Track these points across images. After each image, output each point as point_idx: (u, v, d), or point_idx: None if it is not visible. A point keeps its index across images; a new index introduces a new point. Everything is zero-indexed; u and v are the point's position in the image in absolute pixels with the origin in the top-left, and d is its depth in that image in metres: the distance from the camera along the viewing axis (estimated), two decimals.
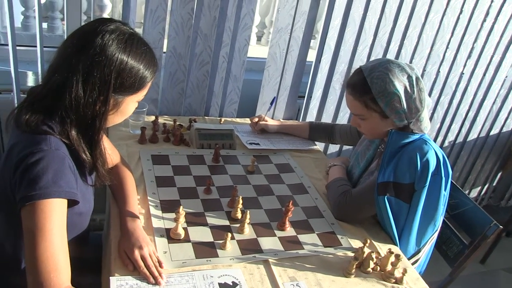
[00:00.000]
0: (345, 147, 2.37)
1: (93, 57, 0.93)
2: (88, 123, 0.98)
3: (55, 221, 0.88)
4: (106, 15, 2.29)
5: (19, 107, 0.98)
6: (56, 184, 0.90)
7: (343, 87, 2.12)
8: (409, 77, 1.30)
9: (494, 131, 2.83)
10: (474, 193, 3.11)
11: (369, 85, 1.31)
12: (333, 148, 2.36)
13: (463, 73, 2.46)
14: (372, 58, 2.09)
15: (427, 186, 1.29)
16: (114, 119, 1.06)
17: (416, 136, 1.34)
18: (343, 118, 2.24)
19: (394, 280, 1.17)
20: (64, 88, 0.93)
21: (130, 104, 1.06)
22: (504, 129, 2.86)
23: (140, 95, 1.06)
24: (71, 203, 0.96)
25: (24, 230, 0.88)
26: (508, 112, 2.79)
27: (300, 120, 2.20)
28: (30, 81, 1.82)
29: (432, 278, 1.39)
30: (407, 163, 1.30)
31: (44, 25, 2.24)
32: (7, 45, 1.56)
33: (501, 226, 1.51)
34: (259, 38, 3.78)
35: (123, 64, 0.96)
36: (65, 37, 1.03)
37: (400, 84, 1.29)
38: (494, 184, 3.18)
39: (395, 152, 1.33)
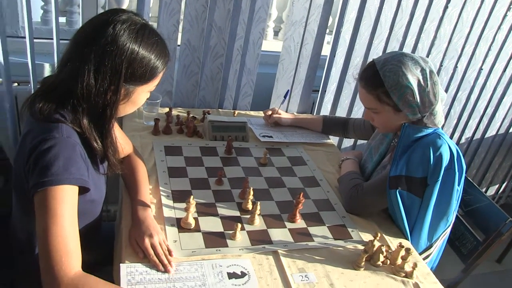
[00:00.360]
0: (360, 141, 2.36)
1: (104, 46, 0.94)
2: (99, 112, 0.99)
3: (66, 207, 0.90)
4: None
5: (33, 96, 1.01)
6: (67, 171, 0.92)
7: (357, 80, 2.11)
8: (423, 70, 1.29)
9: None
10: (491, 191, 3.05)
11: (381, 78, 1.29)
12: (348, 142, 2.34)
13: (482, 69, 2.41)
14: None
15: (440, 181, 1.28)
16: (126, 109, 1.08)
17: (429, 130, 1.33)
18: (358, 112, 2.23)
19: (404, 274, 1.16)
20: (76, 77, 0.95)
21: (141, 94, 1.07)
22: None
23: (152, 85, 1.07)
24: (83, 190, 0.98)
25: (36, 216, 0.90)
26: None
27: (314, 114, 2.19)
28: (47, 73, 1.85)
29: (444, 275, 1.38)
30: (420, 157, 1.28)
31: (63, 19, 2.28)
32: (25, 37, 1.59)
33: None
34: (276, 33, 3.76)
35: (134, 54, 0.97)
36: None
37: (413, 77, 1.27)
38: None
39: (408, 145, 1.32)
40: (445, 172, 1.28)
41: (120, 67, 0.96)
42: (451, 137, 2.57)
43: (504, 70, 2.48)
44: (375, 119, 1.40)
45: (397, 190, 1.30)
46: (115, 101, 1.00)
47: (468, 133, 2.62)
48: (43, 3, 2.29)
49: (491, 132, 2.70)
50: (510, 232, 1.49)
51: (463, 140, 2.63)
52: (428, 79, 1.29)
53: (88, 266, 0.95)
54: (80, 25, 2.31)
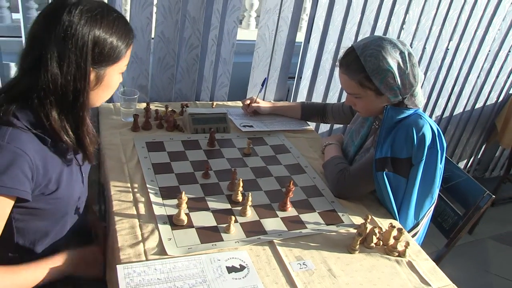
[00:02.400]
0: (336, 126, 2.39)
1: (64, 31, 0.89)
2: (70, 101, 0.95)
3: None
4: None
5: None
6: None
7: (335, 66, 2.12)
8: (402, 53, 1.31)
9: (479, 104, 2.88)
10: (460, 166, 3.16)
11: (362, 64, 1.31)
12: (324, 127, 2.37)
13: (448, 49, 2.48)
14: (360, 36, 2.09)
15: (424, 160, 1.31)
16: (100, 94, 1.03)
17: (411, 111, 1.36)
18: (333, 97, 2.25)
19: (397, 254, 1.19)
20: (38, 68, 0.90)
21: (113, 76, 1.03)
22: (488, 102, 2.92)
23: (122, 64, 1.03)
24: (21, 200, 0.94)
25: None
26: (491, 85, 2.84)
27: (291, 101, 2.20)
28: (14, 73, 1.76)
29: (426, 250, 1.42)
30: (404, 138, 1.31)
31: (17, 15, 2.17)
32: None
33: (493, 196, 1.55)
34: (239, 21, 3.72)
35: (96, 34, 0.93)
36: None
37: (393, 60, 1.29)
38: (479, 156, 3.26)
39: (391, 127, 1.34)
40: (428, 152, 1.32)
41: (85, 49, 0.92)
42: None
43: (468, 50, 2.56)
44: (357, 104, 1.41)
45: (384, 172, 1.33)
46: (86, 86, 0.95)
47: (438, 112, 2.70)
48: None
49: (459, 109, 2.79)
50: (488, 204, 1.56)
51: (433, 118, 2.71)
52: (407, 61, 1.31)
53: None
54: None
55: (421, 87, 2.43)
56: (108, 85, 1.03)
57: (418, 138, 1.30)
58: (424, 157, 1.31)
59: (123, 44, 1.00)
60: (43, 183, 0.97)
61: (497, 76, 2.81)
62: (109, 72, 1.00)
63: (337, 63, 1.41)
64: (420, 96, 1.38)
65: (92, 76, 0.96)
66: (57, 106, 0.94)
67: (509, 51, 2.74)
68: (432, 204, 1.43)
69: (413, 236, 1.43)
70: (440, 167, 1.37)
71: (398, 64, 1.30)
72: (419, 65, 2.39)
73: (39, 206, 1.00)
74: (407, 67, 1.31)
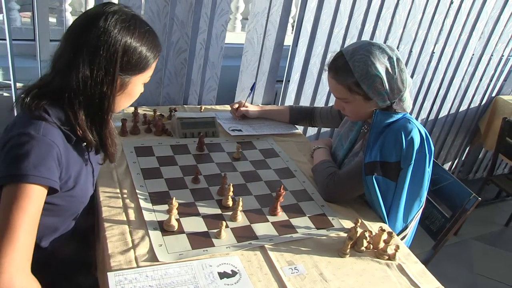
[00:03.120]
0: (323, 129, 2.40)
1: (98, 37, 0.95)
2: (96, 104, 0.99)
3: (28, 207, 0.88)
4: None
5: (27, 90, 0.99)
6: (36, 169, 0.90)
7: (323, 70, 2.13)
8: (390, 59, 1.32)
9: (463, 107, 2.93)
10: (445, 168, 3.22)
11: (351, 69, 1.32)
12: (312, 130, 2.38)
13: (434, 52, 2.52)
14: (347, 40, 2.11)
15: (412, 164, 1.33)
16: (122, 101, 1.08)
17: (399, 116, 1.37)
18: (321, 100, 2.26)
19: (387, 257, 1.20)
20: (70, 69, 0.94)
21: (137, 85, 1.08)
22: (472, 105, 2.97)
23: (146, 75, 1.08)
24: (51, 191, 0.96)
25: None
26: (475, 88, 2.89)
27: (279, 104, 2.20)
28: None
29: (413, 252, 1.44)
30: (393, 142, 1.32)
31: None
32: None
33: (479, 198, 1.57)
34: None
35: (127, 43, 0.98)
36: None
37: (381, 66, 1.31)
38: (463, 158, 3.31)
39: (380, 132, 1.35)
40: (416, 155, 1.33)
41: (115, 56, 0.97)
42: None
43: (453, 54, 2.60)
44: (346, 109, 1.42)
45: (373, 175, 1.34)
46: (112, 92, 1.00)
47: (423, 114, 2.74)
48: None
49: (444, 112, 2.84)
50: (474, 206, 1.58)
51: (419, 121, 2.74)
52: (396, 66, 1.32)
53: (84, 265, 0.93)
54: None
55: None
56: (131, 93, 1.07)
57: (407, 142, 1.31)
58: (413, 161, 1.32)
59: (151, 55, 1.05)
60: (64, 178, 1.00)
61: (481, 80, 2.87)
62: (134, 81, 1.05)
63: (326, 68, 1.42)
64: (408, 100, 1.39)
65: (118, 82, 1.01)
66: (84, 107, 0.99)
67: (492, 55, 2.79)
68: (421, 207, 1.44)
69: (401, 239, 1.44)
70: (428, 170, 1.39)
71: (387, 69, 1.31)
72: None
73: (55, 202, 1.02)
74: (395, 72, 1.32)
